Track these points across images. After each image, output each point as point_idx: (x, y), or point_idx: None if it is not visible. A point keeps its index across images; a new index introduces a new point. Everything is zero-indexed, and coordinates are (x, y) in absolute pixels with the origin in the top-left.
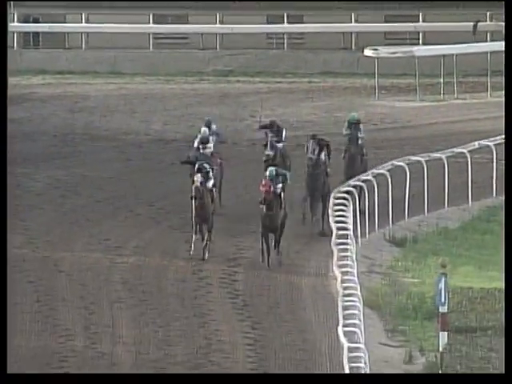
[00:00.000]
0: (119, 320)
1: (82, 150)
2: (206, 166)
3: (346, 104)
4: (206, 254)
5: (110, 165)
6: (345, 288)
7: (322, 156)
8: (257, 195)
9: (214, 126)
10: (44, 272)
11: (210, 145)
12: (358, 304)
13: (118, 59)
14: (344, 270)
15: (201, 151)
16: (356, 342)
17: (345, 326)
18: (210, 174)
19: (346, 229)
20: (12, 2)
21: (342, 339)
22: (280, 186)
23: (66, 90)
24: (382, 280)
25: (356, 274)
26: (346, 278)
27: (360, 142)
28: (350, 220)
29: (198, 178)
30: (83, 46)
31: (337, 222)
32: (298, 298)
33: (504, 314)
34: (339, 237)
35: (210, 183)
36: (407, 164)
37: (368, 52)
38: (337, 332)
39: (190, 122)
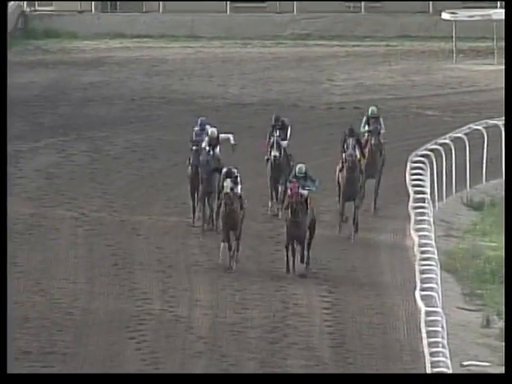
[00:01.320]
0: (196, 284)
1: (160, 113)
2: (234, 170)
3: (424, 68)
4: (234, 265)
5: (188, 128)
6: (422, 252)
7: (357, 153)
8: (332, 159)
9: (207, 127)
10: (122, 235)
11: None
12: (435, 268)
13: (195, 23)
14: (421, 233)
15: (210, 153)
16: (433, 306)
17: (422, 289)
18: (239, 178)
19: (423, 192)
20: None
21: (420, 303)
22: (307, 188)
23: (144, 54)
24: (459, 244)
25: (433, 238)
26: (423, 241)
27: (380, 137)
28: (428, 184)
29: (227, 183)
30: (160, 9)
31: (414, 185)
32: (375, 261)
33: (504, 314)
34: (416, 200)
35: (239, 188)
36: (485, 127)
37: (446, 15)
38: (414, 296)
39: (267, 86)
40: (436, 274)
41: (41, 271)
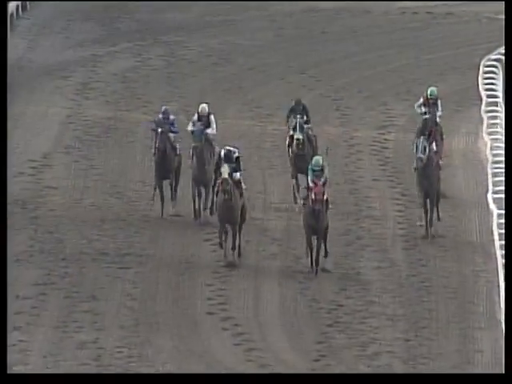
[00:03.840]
0: (271, 186)
1: (234, 18)
2: (235, 150)
3: None
4: (236, 260)
5: (262, 33)
6: (494, 155)
7: (434, 149)
8: (406, 62)
9: (171, 117)
10: None
11: (213, 130)
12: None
13: None
14: (493, 137)
15: (195, 129)
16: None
17: (494, 192)
18: (240, 162)
19: (495, 96)
20: None
21: (492, 206)
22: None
23: None
24: None
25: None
26: (495, 144)
27: (439, 121)
28: (500, 87)
29: (225, 168)
30: None
31: (486, 89)
32: (447, 164)
33: (504, 314)
34: (489, 104)
35: (238, 174)
36: None
37: None
38: (486, 199)
39: None
40: None
41: (117, 174)
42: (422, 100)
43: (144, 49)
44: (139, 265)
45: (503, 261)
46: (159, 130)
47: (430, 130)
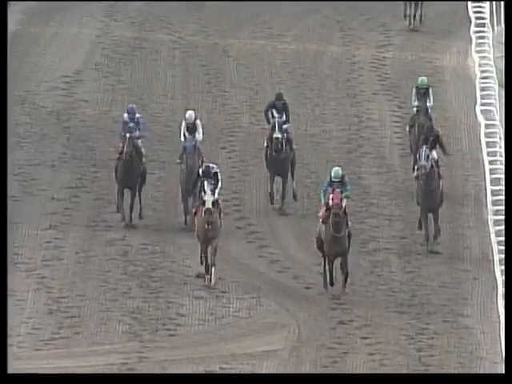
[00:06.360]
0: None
1: None
2: (214, 166)
3: None
4: (212, 280)
5: None
6: (482, 71)
7: (435, 155)
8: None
9: (137, 115)
10: (214, 57)
11: (200, 135)
12: (493, 85)
13: None
14: (481, 55)
15: (188, 143)
16: (492, 120)
17: (482, 105)
18: (219, 177)
19: (483, 18)
20: None
21: (480, 117)
22: (345, 196)
23: None
24: None
25: (492, 59)
26: (483, 62)
27: (429, 112)
28: (487, 10)
29: (208, 197)
30: None
31: (475, 12)
32: (440, 79)
33: (504, 315)
34: (477, 25)
35: (216, 192)
36: None
37: None
38: (475, 110)
39: None
40: (494, 91)
41: (142, 88)
42: (414, 90)
43: None
44: (162, 170)
45: (490, 166)
46: (127, 135)
47: (432, 140)
